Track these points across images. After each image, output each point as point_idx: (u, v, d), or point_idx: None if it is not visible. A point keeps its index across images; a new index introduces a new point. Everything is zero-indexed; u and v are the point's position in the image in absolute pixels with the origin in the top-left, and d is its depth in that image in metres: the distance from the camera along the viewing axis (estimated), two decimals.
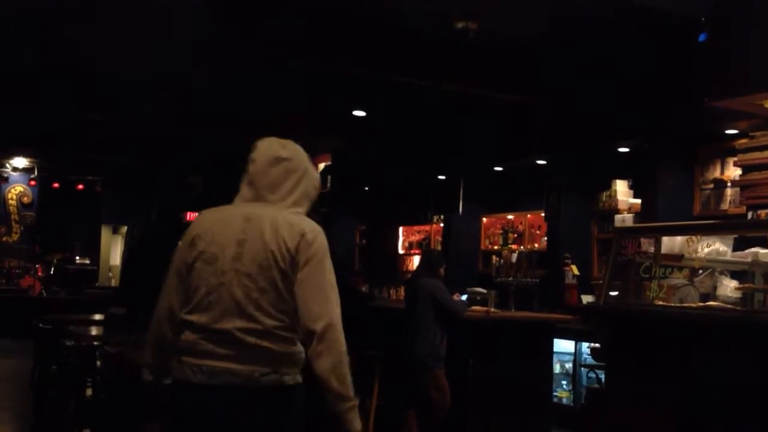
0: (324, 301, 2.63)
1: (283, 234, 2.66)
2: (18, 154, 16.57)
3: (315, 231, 2.70)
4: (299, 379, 2.67)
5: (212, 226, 2.74)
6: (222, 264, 2.66)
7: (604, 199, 9.15)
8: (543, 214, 9.85)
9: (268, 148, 2.86)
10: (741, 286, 5.26)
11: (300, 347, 2.68)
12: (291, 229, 2.67)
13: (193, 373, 2.61)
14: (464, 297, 7.67)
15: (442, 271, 6.95)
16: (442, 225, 11.72)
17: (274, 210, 2.73)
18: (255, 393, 2.58)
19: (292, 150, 2.86)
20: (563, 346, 8.38)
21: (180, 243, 2.82)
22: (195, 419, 2.62)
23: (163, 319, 2.76)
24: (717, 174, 7.91)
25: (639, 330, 4.67)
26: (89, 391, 5.84)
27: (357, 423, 2.67)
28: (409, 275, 8.73)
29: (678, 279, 5.35)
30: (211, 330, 2.62)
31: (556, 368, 8.32)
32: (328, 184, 13.53)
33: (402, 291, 8.97)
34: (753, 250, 5.33)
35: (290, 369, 2.64)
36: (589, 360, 7.56)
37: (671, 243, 5.35)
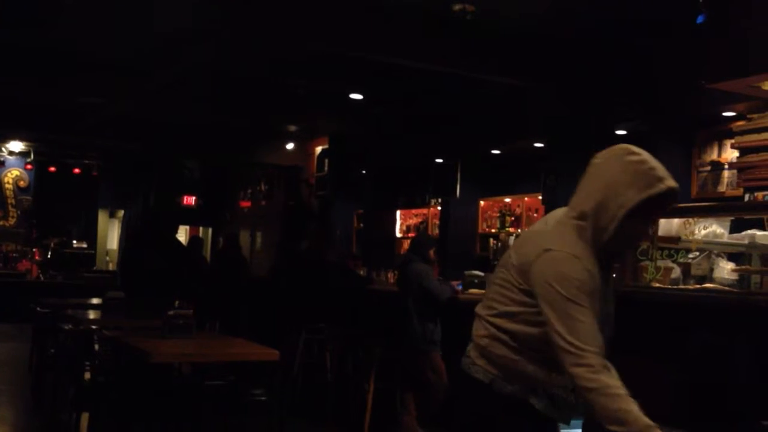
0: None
1: (530, 244, 2.52)
2: (14, 138, 16.51)
3: (551, 258, 2.42)
4: (489, 378, 2.58)
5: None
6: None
7: None
8: (540, 197, 9.86)
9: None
10: (738, 268, 5.27)
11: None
12: (535, 243, 2.50)
13: None
14: (459, 285, 7.65)
15: (431, 253, 6.95)
16: (439, 208, 11.73)
17: (558, 214, 2.59)
18: (457, 367, 2.70)
19: (608, 156, 2.50)
20: None
21: None
22: None
23: None
24: (714, 156, 7.91)
25: (636, 312, 4.68)
26: (87, 375, 5.84)
27: None
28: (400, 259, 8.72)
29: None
30: None
31: None
32: (326, 168, 13.53)
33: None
34: (750, 232, 5.34)
35: (483, 362, 2.60)
36: None
37: (668, 225, 5.35)
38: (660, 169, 2.42)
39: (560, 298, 2.37)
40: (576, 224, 2.47)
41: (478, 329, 2.62)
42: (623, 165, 2.42)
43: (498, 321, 2.55)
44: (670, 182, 2.39)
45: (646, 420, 2.26)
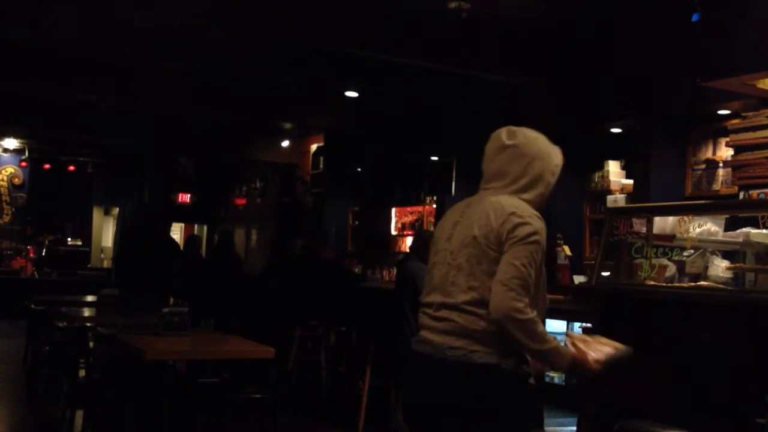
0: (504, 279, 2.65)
1: (492, 214, 2.74)
2: (8, 135, 16.48)
3: (525, 214, 2.74)
4: (496, 359, 2.65)
5: (447, 213, 2.99)
6: (437, 245, 2.89)
7: (596, 179, 9.15)
8: None
9: (495, 137, 3.02)
10: (732, 265, 5.27)
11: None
12: (500, 210, 2.75)
13: (414, 341, 2.85)
14: None
15: None
16: (434, 206, 11.72)
17: (494, 194, 2.85)
18: (440, 364, 2.69)
19: (519, 137, 2.95)
20: (555, 326, 8.39)
21: None
22: (409, 381, 2.91)
23: None
24: (709, 154, 7.92)
25: (631, 309, 4.68)
26: (82, 372, 5.84)
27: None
28: (401, 256, 8.73)
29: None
30: (423, 304, 2.87)
31: None
32: (321, 165, 13.52)
33: (395, 272, 8.99)
34: (744, 230, 5.34)
35: (481, 347, 2.66)
36: None
37: (663, 223, 5.35)
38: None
39: (527, 248, 2.70)
40: (523, 197, 2.83)
41: (469, 321, 2.68)
42: (536, 143, 2.94)
43: (461, 297, 2.71)
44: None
45: (556, 340, 2.70)
